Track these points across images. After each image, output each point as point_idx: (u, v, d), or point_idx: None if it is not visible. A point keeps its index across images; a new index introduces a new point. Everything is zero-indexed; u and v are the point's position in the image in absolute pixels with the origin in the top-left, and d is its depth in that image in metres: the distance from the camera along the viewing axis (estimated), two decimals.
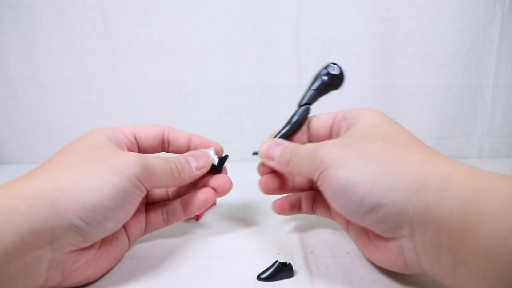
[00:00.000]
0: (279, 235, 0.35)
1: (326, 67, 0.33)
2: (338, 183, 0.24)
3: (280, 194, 0.35)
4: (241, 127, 0.66)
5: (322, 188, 0.26)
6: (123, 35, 0.62)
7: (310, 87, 0.33)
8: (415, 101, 0.65)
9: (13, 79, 0.64)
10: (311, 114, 0.34)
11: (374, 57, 0.63)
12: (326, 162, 0.25)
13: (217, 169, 0.34)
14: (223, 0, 0.61)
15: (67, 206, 0.22)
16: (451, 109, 0.66)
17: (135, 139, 0.32)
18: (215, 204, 0.43)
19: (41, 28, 0.61)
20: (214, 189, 0.33)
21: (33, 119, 0.66)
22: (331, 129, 0.32)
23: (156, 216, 0.33)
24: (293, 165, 0.28)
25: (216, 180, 0.33)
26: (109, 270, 0.29)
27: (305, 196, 0.35)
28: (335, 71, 0.32)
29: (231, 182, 0.33)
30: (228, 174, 0.35)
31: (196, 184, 0.34)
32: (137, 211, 0.31)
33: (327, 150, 0.25)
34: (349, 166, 0.24)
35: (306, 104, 0.33)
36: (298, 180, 0.35)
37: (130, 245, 0.31)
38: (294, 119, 0.33)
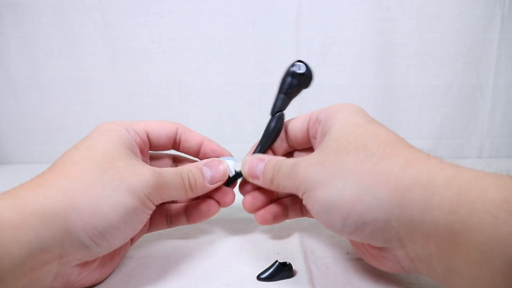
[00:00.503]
0: (279, 235, 0.35)
1: (291, 67, 0.31)
2: (320, 204, 0.24)
3: (280, 221, 0.33)
4: (241, 127, 0.66)
5: (308, 207, 0.26)
6: (123, 35, 0.62)
7: (279, 92, 0.31)
8: (415, 101, 0.65)
9: (13, 79, 0.64)
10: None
11: (374, 57, 0.63)
12: (306, 183, 0.25)
13: (227, 182, 0.32)
14: (223, 0, 0.61)
15: (78, 226, 0.22)
16: (451, 109, 0.66)
17: (147, 136, 0.31)
18: None
19: (41, 28, 0.61)
20: (217, 202, 0.32)
21: (33, 119, 0.66)
22: (307, 131, 0.31)
23: (160, 218, 0.33)
24: (277, 184, 0.28)
25: (221, 194, 0.32)
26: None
27: (293, 201, 0.34)
28: (301, 70, 0.30)
29: (234, 198, 0.32)
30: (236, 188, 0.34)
31: None
32: None
33: (304, 170, 0.25)
34: (327, 185, 0.24)
35: (279, 111, 0.31)
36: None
37: (132, 244, 0.31)
38: (270, 129, 0.32)
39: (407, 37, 0.62)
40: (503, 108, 0.66)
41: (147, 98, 0.65)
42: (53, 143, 0.67)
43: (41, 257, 0.21)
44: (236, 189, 0.34)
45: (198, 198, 0.33)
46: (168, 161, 0.35)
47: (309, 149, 0.33)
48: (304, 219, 0.39)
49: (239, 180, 0.33)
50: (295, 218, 0.39)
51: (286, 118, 0.33)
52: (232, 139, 0.66)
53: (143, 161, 0.29)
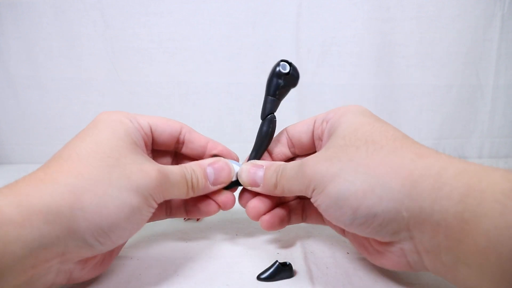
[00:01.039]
0: (279, 235, 0.35)
1: (277, 66, 0.30)
2: (330, 199, 0.24)
3: (283, 226, 0.33)
4: (241, 127, 0.66)
5: (316, 205, 0.26)
6: (123, 35, 0.62)
7: (267, 94, 0.31)
8: (415, 101, 0.65)
9: (13, 79, 0.64)
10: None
11: (374, 57, 0.63)
12: (315, 180, 0.25)
13: (229, 185, 0.32)
14: (223, 0, 0.61)
15: (83, 225, 0.22)
16: (451, 109, 0.66)
17: (151, 132, 0.31)
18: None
19: (41, 28, 0.61)
20: (217, 204, 0.32)
21: (33, 119, 0.66)
22: (312, 133, 0.31)
23: (160, 209, 0.32)
24: (282, 187, 0.28)
25: (221, 196, 0.32)
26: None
27: (294, 206, 0.33)
28: (286, 70, 0.30)
29: (234, 201, 0.32)
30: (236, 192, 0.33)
31: None
32: None
33: (312, 168, 0.25)
34: (337, 179, 0.23)
35: (270, 113, 0.31)
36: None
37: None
38: (263, 133, 0.31)
39: (407, 37, 0.62)
40: (503, 108, 0.66)
41: (147, 98, 0.65)
42: (53, 143, 0.66)
43: (43, 255, 0.20)
44: (236, 192, 0.33)
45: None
46: (169, 159, 0.35)
47: (312, 154, 0.33)
48: None
49: (240, 188, 0.33)
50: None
51: (287, 120, 0.32)
52: (232, 139, 0.66)
53: (147, 155, 0.29)
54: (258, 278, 0.27)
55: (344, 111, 0.28)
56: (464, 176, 0.20)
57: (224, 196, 0.32)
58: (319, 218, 0.33)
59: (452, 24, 0.61)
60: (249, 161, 0.32)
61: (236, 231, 0.36)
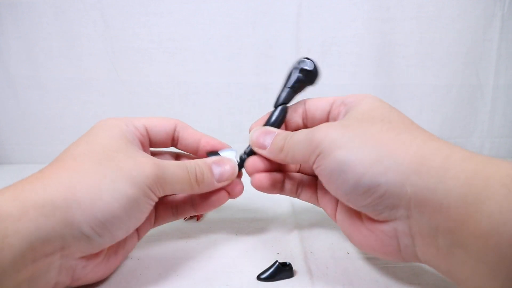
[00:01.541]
0: (279, 235, 0.35)
1: (299, 63, 0.31)
2: (336, 163, 0.24)
3: (274, 192, 0.33)
4: (241, 127, 0.66)
5: (318, 170, 0.25)
6: (123, 35, 0.62)
7: (285, 85, 0.31)
8: (415, 101, 0.65)
9: (13, 79, 0.64)
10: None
11: (374, 57, 0.63)
12: (324, 144, 0.24)
13: None
14: (223, 0, 0.61)
15: (79, 217, 0.22)
16: (451, 109, 0.66)
17: (147, 132, 0.31)
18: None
19: (41, 28, 0.61)
20: (227, 191, 0.32)
21: (33, 119, 0.66)
22: (328, 113, 0.31)
23: (166, 210, 0.32)
24: (287, 152, 0.28)
25: (230, 184, 0.32)
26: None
27: (291, 177, 0.33)
28: (308, 67, 0.31)
29: (243, 187, 0.32)
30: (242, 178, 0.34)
31: None
32: None
33: (324, 132, 0.25)
34: (347, 146, 0.24)
35: (284, 103, 0.32)
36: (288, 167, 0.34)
37: (139, 239, 0.31)
38: (273, 120, 0.32)
39: (407, 37, 0.62)
40: (503, 108, 0.66)
41: (147, 98, 0.65)
42: (53, 143, 0.66)
43: (41, 249, 0.21)
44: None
45: None
46: (170, 158, 0.35)
47: None
48: (304, 219, 0.39)
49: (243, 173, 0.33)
50: (295, 218, 0.39)
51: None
52: (232, 139, 0.66)
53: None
54: (258, 278, 0.27)
55: (364, 96, 0.29)
56: (471, 161, 0.20)
57: (232, 183, 0.32)
58: (313, 196, 0.33)
59: (452, 24, 0.61)
60: (264, 126, 0.31)
61: (236, 231, 0.36)
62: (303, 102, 0.33)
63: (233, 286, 0.27)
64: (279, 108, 0.32)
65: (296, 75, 0.31)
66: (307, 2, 0.61)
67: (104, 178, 0.23)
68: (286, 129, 0.34)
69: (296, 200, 0.35)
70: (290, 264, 0.28)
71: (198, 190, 0.29)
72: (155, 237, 0.35)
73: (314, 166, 0.26)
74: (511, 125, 0.67)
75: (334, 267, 0.29)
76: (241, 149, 0.34)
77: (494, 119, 0.66)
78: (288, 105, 0.32)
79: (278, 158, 0.29)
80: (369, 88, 0.64)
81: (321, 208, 0.33)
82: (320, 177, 0.26)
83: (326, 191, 0.28)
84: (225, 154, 0.32)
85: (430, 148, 0.22)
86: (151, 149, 0.33)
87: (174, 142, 0.33)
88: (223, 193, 0.32)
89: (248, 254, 0.31)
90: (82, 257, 0.24)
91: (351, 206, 0.25)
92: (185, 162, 0.29)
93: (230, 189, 0.32)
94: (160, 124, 0.32)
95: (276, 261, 0.28)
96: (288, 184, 0.33)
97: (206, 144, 0.33)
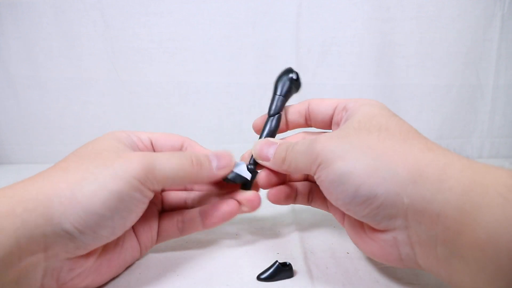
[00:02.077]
0: (279, 235, 0.35)
1: (287, 73, 0.33)
2: (335, 174, 0.24)
3: (288, 203, 0.33)
4: (241, 127, 0.66)
5: (319, 181, 0.26)
6: (123, 35, 0.62)
7: (278, 94, 0.33)
8: (415, 101, 0.65)
9: (13, 79, 0.64)
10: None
11: (374, 57, 0.63)
12: (323, 155, 0.25)
13: (246, 185, 0.32)
14: (223, 0, 0.61)
15: (59, 211, 0.22)
16: (451, 109, 0.66)
17: (152, 145, 0.31)
18: None
19: (41, 28, 0.61)
20: (239, 203, 0.31)
21: (33, 119, 0.66)
22: (331, 117, 0.31)
23: (171, 224, 0.31)
24: (289, 162, 0.28)
25: (244, 194, 0.31)
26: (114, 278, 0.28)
27: (301, 187, 0.34)
28: (295, 76, 0.33)
29: (260, 200, 0.31)
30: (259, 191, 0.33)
31: (221, 195, 0.33)
32: (149, 217, 0.30)
33: (323, 143, 0.25)
34: (345, 157, 0.24)
35: (279, 112, 0.32)
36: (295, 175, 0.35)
37: (142, 253, 0.30)
38: (272, 128, 0.32)
39: (407, 37, 0.62)
40: (503, 108, 0.66)
41: (147, 98, 0.65)
42: (53, 143, 0.66)
43: (27, 246, 0.21)
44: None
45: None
46: None
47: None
48: (304, 219, 0.39)
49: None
50: (295, 218, 0.39)
51: None
52: (232, 139, 0.66)
53: None
54: (258, 278, 0.27)
55: (363, 102, 0.29)
56: (469, 171, 0.20)
57: (248, 194, 0.31)
58: (324, 203, 0.33)
59: (452, 24, 0.61)
60: (265, 138, 0.32)
61: (236, 231, 0.36)
62: (307, 102, 0.33)
63: (233, 286, 0.27)
64: (276, 117, 0.32)
65: (287, 84, 0.33)
66: (307, 2, 0.61)
67: (88, 174, 0.23)
68: (288, 128, 0.34)
69: None
70: (290, 264, 0.28)
71: (197, 177, 0.28)
72: None
73: (316, 177, 0.26)
74: (511, 125, 0.67)
75: (334, 267, 0.29)
76: (241, 149, 0.34)
77: (494, 119, 0.66)
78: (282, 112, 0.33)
79: (282, 169, 0.29)
80: (369, 88, 0.64)
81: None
82: (321, 188, 0.26)
83: None
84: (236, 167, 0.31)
85: (427, 159, 0.22)
86: None
87: None
88: (235, 203, 0.30)
89: (248, 254, 0.31)
90: (68, 259, 0.23)
91: (352, 215, 0.25)
92: (179, 152, 0.29)
93: (245, 199, 0.31)
94: (166, 138, 0.31)
95: (276, 261, 0.28)
96: (300, 194, 0.33)
97: None
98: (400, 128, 0.25)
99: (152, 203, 0.30)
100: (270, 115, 0.33)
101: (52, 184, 0.23)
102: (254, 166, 0.32)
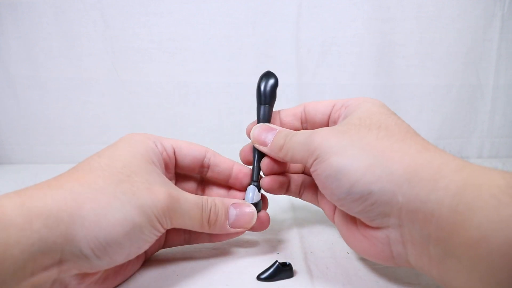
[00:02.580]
0: (279, 235, 0.35)
1: (268, 77, 0.33)
2: (331, 169, 0.24)
3: (281, 193, 0.34)
4: (241, 127, 0.66)
5: (315, 174, 0.26)
6: (123, 35, 0.62)
7: (264, 103, 0.32)
8: (415, 101, 0.65)
9: (13, 79, 0.64)
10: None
11: (374, 57, 0.63)
12: (321, 149, 0.25)
13: (256, 206, 0.31)
14: (223, 0, 0.61)
15: (80, 234, 0.21)
16: (451, 109, 0.66)
17: (174, 154, 0.30)
18: None
19: (41, 28, 0.61)
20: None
21: (33, 119, 0.66)
22: (329, 116, 0.31)
23: (177, 235, 0.31)
24: (287, 151, 0.28)
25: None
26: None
27: (294, 178, 0.34)
28: (275, 78, 0.33)
29: (269, 221, 0.32)
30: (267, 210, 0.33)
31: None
32: None
33: (322, 137, 0.25)
34: (343, 153, 0.24)
35: (269, 121, 0.32)
36: (292, 165, 0.35)
37: (146, 260, 0.30)
38: (266, 116, 0.32)
39: (407, 37, 0.62)
40: (503, 108, 0.66)
41: (147, 98, 0.65)
42: (53, 143, 0.66)
43: (42, 261, 0.20)
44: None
45: None
46: (194, 184, 0.34)
47: None
48: (304, 219, 0.39)
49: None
50: (295, 218, 0.39)
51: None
52: (232, 139, 0.66)
53: (167, 177, 0.28)
54: (258, 278, 0.27)
55: (364, 100, 0.29)
56: (463, 172, 0.20)
57: (260, 215, 0.31)
58: (314, 197, 0.33)
59: (452, 24, 0.61)
60: (265, 123, 0.32)
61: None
62: (302, 105, 0.33)
63: (233, 286, 0.27)
64: (263, 106, 0.32)
65: (269, 90, 0.32)
66: (307, 2, 0.61)
67: (114, 200, 0.23)
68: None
69: (296, 200, 0.35)
70: (290, 264, 0.28)
71: (207, 231, 0.28)
72: None
73: (312, 170, 0.26)
74: (511, 125, 0.67)
75: (334, 267, 0.29)
76: (240, 149, 0.34)
77: (494, 119, 0.66)
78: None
79: (278, 156, 0.29)
80: (369, 88, 0.64)
81: (321, 208, 0.33)
82: (316, 181, 0.26)
83: None
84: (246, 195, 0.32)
85: (423, 159, 0.22)
86: (179, 172, 0.32)
87: (203, 169, 0.32)
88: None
89: (248, 254, 0.31)
90: (77, 274, 0.23)
91: (345, 211, 0.26)
92: (202, 198, 0.28)
93: (257, 223, 0.30)
94: (189, 147, 0.31)
95: (276, 261, 0.28)
96: (292, 185, 0.34)
97: (238, 171, 0.32)
98: (399, 127, 0.25)
99: None
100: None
101: (77, 201, 0.22)
102: (258, 182, 0.32)
